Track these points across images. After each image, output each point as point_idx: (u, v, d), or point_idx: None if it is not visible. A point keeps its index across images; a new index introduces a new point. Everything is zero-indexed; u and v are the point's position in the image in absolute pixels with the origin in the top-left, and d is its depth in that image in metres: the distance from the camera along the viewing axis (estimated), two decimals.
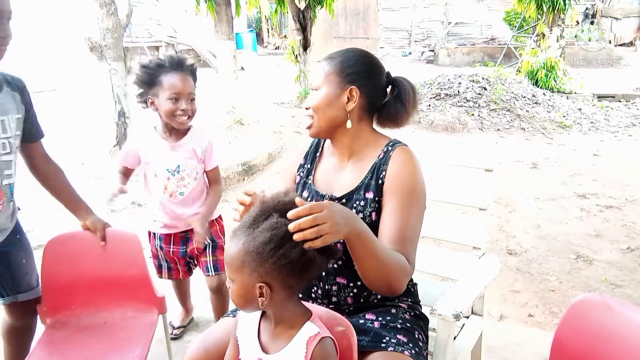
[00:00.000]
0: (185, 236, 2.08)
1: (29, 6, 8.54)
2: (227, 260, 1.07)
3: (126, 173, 2.01)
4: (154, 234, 2.11)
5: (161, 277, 2.18)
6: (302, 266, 1.04)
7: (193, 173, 1.99)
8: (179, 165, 1.97)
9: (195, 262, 2.15)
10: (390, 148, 1.37)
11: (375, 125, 1.44)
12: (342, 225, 1.04)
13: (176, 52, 13.43)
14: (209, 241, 2.04)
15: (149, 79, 1.87)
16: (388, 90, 1.41)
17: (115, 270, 1.79)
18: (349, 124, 1.36)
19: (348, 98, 1.34)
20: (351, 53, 1.38)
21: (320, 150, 1.51)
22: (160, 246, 2.10)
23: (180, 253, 2.10)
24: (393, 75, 1.42)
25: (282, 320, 1.10)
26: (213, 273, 2.06)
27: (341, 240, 1.31)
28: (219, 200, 2.10)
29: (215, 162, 2.05)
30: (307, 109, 1.39)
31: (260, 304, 1.05)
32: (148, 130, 2.00)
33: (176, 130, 1.96)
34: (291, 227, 0.99)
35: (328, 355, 1.06)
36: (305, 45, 8.14)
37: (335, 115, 1.35)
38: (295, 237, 0.99)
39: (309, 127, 1.40)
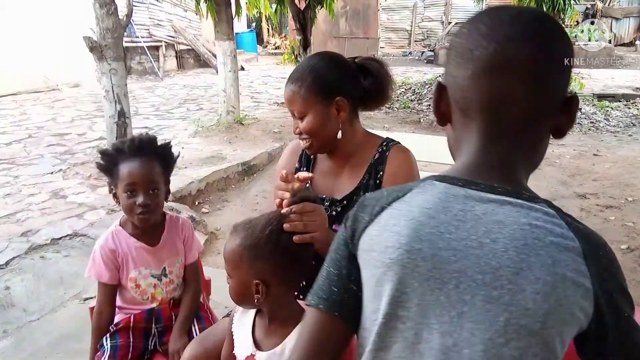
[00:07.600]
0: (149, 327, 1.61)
1: (29, 5, 8.55)
2: (226, 256, 1.09)
3: (108, 293, 1.55)
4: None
5: None
6: (298, 258, 1.08)
7: (180, 272, 1.65)
8: (164, 268, 1.60)
9: None
10: (385, 148, 1.38)
11: (361, 112, 1.44)
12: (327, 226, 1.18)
13: (177, 52, 13.42)
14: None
15: (107, 167, 1.52)
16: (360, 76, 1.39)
17: None
18: (339, 135, 1.35)
19: (337, 110, 1.32)
20: (317, 65, 1.34)
21: None
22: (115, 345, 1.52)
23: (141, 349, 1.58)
24: (359, 60, 1.40)
25: (276, 318, 1.10)
26: None
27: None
28: (198, 304, 1.66)
29: (195, 254, 1.68)
30: (300, 134, 1.35)
31: (255, 300, 1.06)
32: (115, 231, 1.58)
33: (150, 225, 1.55)
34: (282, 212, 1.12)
35: None
36: (305, 45, 8.13)
37: (332, 131, 1.34)
38: (285, 226, 1.08)
39: (308, 148, 1.38)
